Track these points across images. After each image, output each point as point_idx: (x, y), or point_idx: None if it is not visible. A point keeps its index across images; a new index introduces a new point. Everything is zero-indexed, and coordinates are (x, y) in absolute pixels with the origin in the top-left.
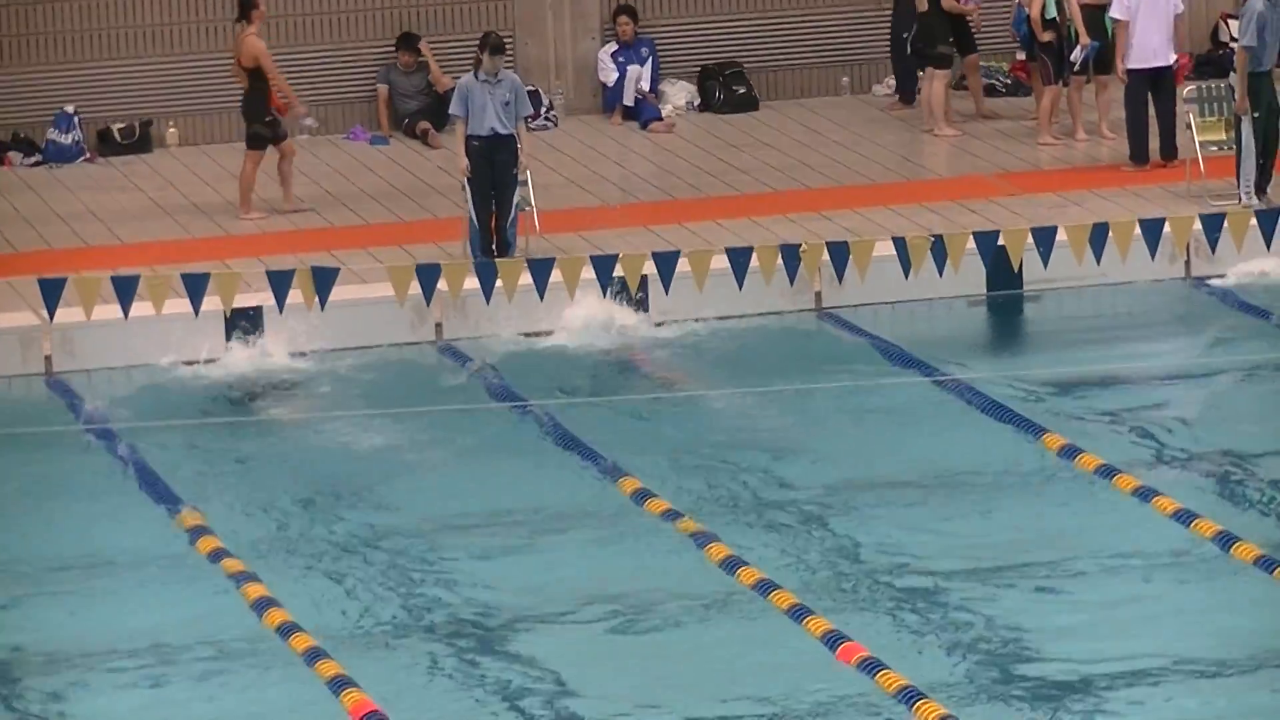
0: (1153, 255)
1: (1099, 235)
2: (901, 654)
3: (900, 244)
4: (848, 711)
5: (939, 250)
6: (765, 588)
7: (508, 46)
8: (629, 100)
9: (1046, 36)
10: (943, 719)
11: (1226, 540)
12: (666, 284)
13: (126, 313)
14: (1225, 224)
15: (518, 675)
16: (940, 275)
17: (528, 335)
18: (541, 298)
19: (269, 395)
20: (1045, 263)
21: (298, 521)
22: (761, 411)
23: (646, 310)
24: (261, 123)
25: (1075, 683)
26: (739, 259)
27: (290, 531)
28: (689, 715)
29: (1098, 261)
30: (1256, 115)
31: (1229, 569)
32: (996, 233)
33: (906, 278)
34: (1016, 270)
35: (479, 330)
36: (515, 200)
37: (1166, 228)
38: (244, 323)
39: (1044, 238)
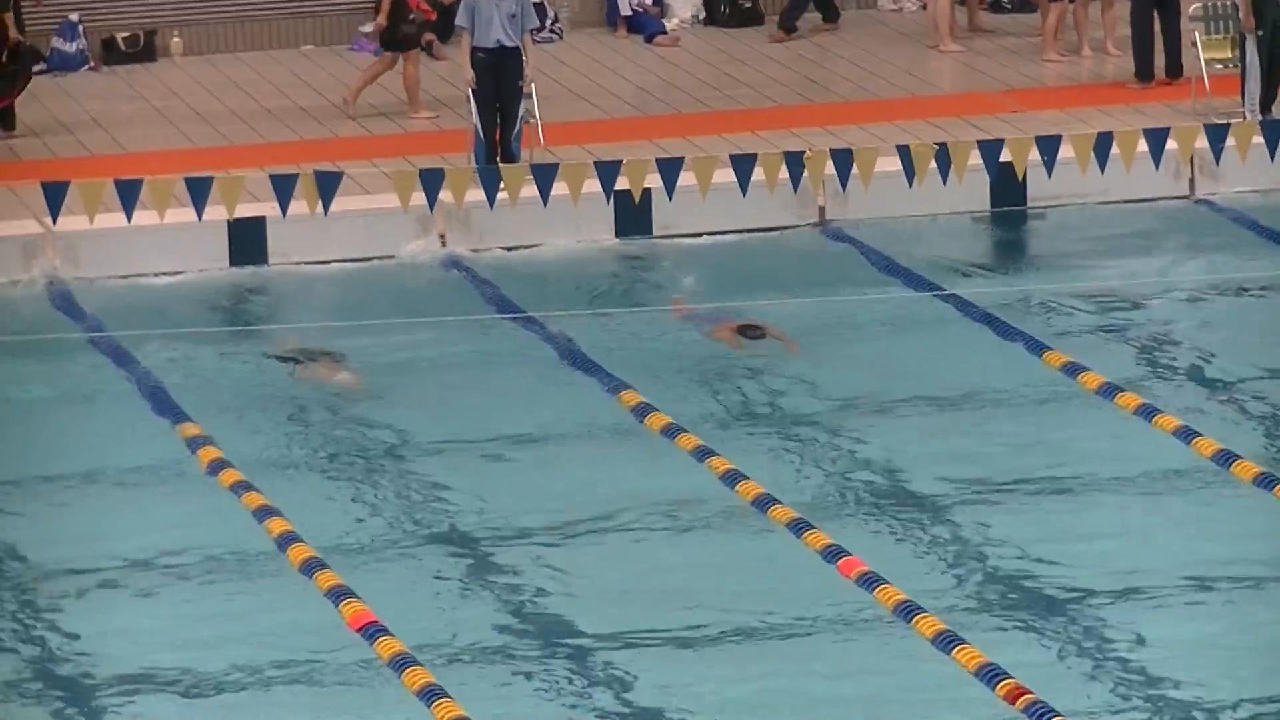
0: (1156, 165)
1: (1103, 146)
2: (901, 569)
3: (904, 152)
4: (847, 625)
5: (943, 160)
6: (765, 502)
7: None
8: (625, 10)
9: None
10: (940, 634)
11: (1226, 458)
12: (670, 191)
13: (129, 217)
14: (1229, 137)
15: (517, 588)
16: (944, 184)
17: (530, 246)
18: (545, 205)
19: (271, 305)
20: (1049, 171)
21: (299, 433)
22: (762, 321)
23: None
24: (406, 21)
25: (1075, 598)
26: (743, 166)
27: (291, 443)
28: (688, 624)
29: (1101, 171)
30: (1261, 33)
31: (1229, 487)
32: (1001, 142)
33: (910, 186)
34: (1021, 180)
35: (483, 242)
36: (520, 113)
37: (1171, 140)
38: (246, 233)
39: (1048, 147)
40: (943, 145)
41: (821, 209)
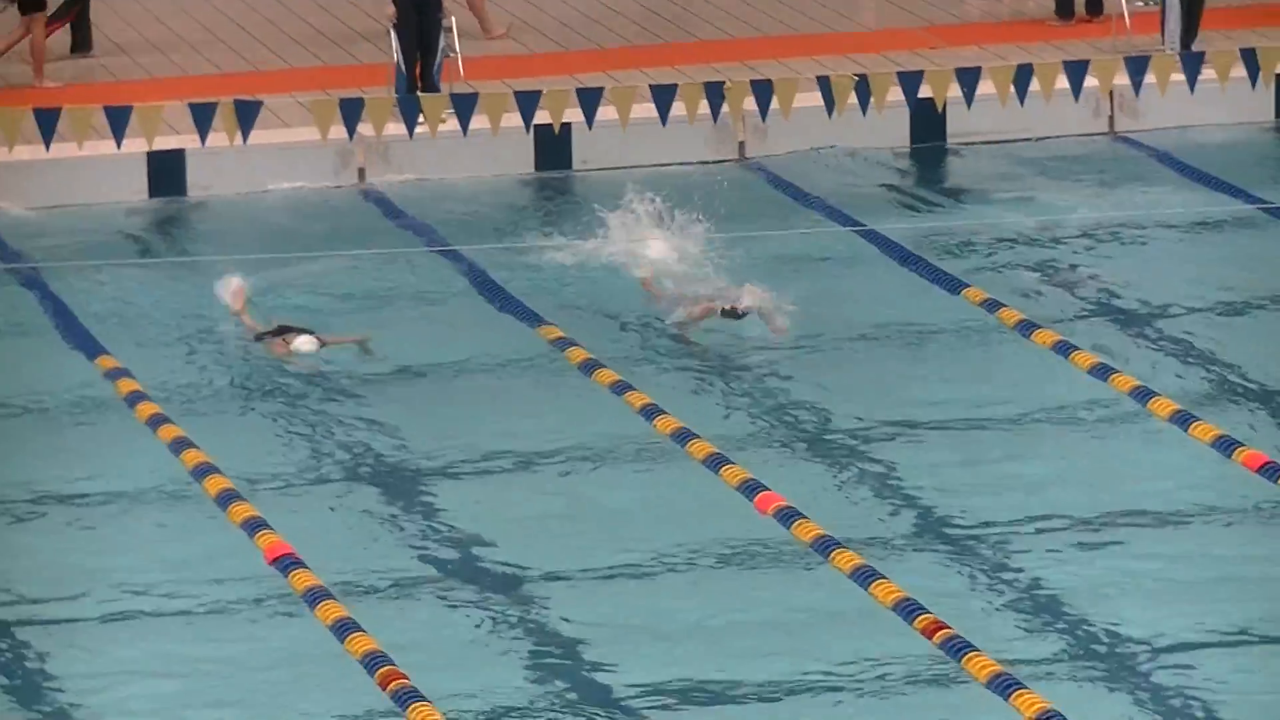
0: (1076, 98)
1: (1023, 79)
2: (820, 504)
3: (824, 83)
4: (764, 559)
5: (863, 92)
6: (683, 437)
7: None
8: None
9: None
10: (858, 568)
11: (1144, 395)
12: (590, 122)
13: (48, 146)
14: (1149, 71)
15: (435, 522)
16: (864, 117)
17: (450, 178)
18: (465, 135)
19: (190, 236)
20: (969, 103)
21: (216, 364)
22: (683, 260)
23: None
24: None
25: (994, 533)
26: (663, 98)
27: (208, 374)
28: (607, 556)
29: (1021, 104)
30: None
31: (1145, 423)
32: (920, 74)
33: (830, 117)
34: (940, 114)
35: (402, 173)
36: (440, 47)
37: (1091, 75)
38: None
39: (968, 79)
40: (862, 77)
41: (741, 144)
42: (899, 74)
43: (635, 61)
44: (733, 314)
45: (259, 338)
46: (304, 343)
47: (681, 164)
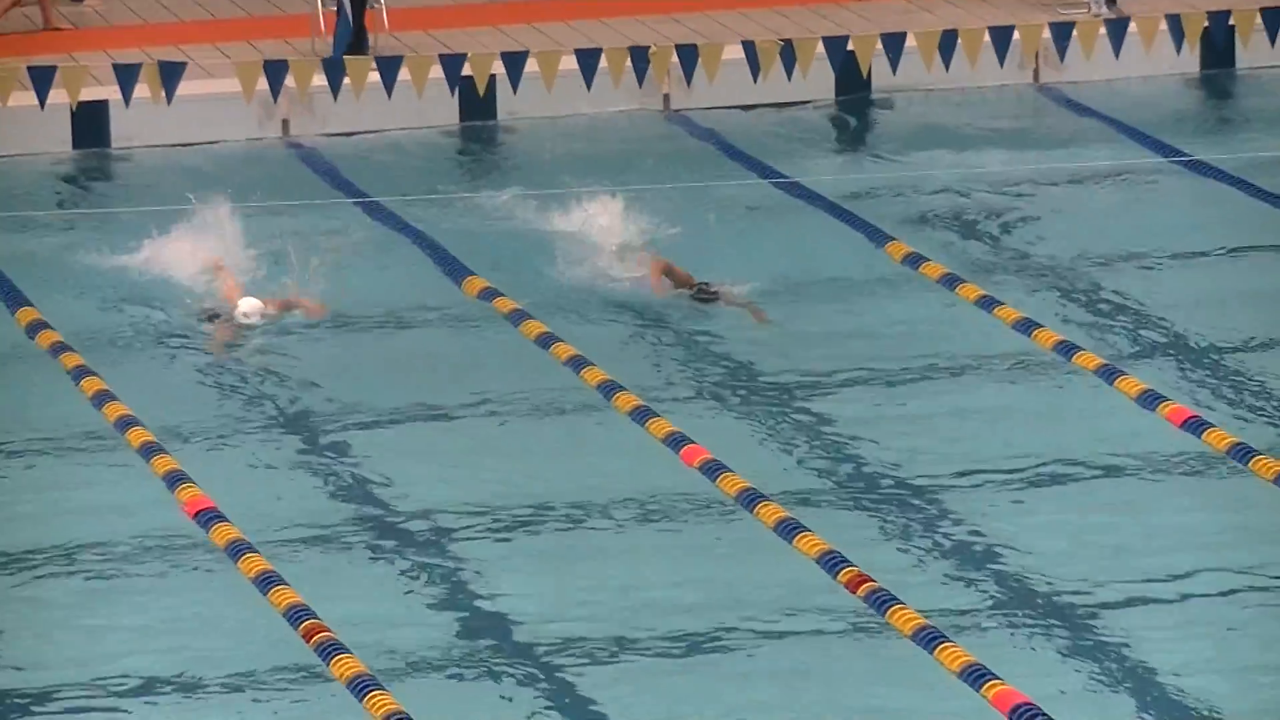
0: (1001, 63)
1: (948, 42)
2: (743, 457)
3: (749, 48)
4: (691, 512)
5: (788, 56)
6: (609, 389)
7: None
8: None
9: None
10: (782, 521)
11: (1068, 349)
12: (515, 84)
13: None
14: (1075, 32)
15: (353, 475)
16: (789, 80)
17: (375, 132)
18: (390, 98)
19: (113, 188)
20: (894, 69)
21: (136, 315)
22: (606, 209)
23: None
24: None
25: (917, 482)
26: (588, 61)
27: (128, 324)
28: (537, 517)
29: (946, 68)
30: None
31: (1071, 377)
32: (845, 38)
33: (755, 81)
34: (865, 76)
35: (326, 127)
36: None
37: (1016, 35)
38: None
39: (893, 44)
40: (788, 42)
41: (666, 96)
42: (824, 39)
43: (560, 12)
44: (704, 296)
45: (211, 319)
46: (248, 305)
47: (606, 115)
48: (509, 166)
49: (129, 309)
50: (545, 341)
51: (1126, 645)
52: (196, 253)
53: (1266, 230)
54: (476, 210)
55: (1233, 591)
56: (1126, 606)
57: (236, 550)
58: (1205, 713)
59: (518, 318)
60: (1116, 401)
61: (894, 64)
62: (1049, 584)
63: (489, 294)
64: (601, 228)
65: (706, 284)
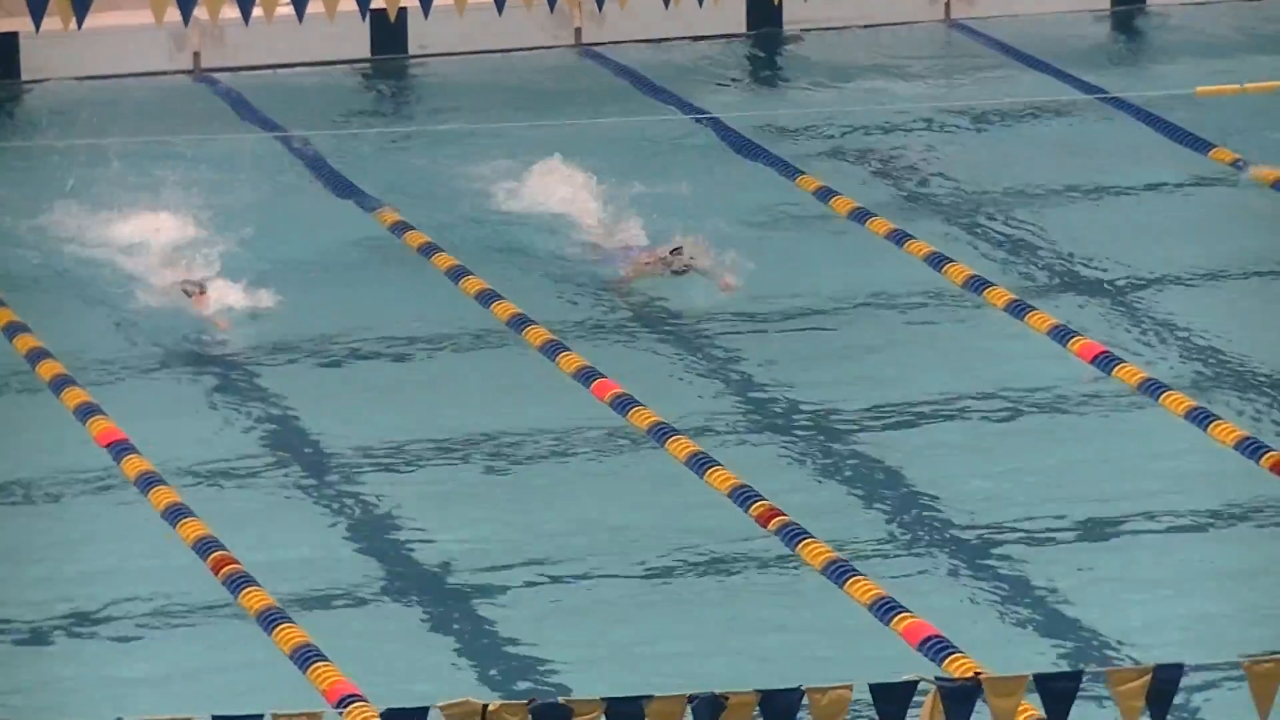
0: None
1: None
2: (654, 392)
3: None
4: (606, 443)
5: None
6: (519, 323)
7: None
8: None
9: None
10: (694, 455)
11: (979, 284)
12: (426, 9)
13: None
14: None
15: (272, 406)
16: (700, 6)
17: (286, 65)
18: (300, 22)
19: (22, 121)
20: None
21: (52, 248)
22: (518, 145)
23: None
24: None
25: (826, 418)
26: None
27: (42, 258)
28: (444, 445)
29: (858, 3)
30: None
31: (982, 312)
32: None
33: (666, 8)
34: (776, 6)
35: (237, 60)
36: None
37: None
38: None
39: None
40: None
41: (578, 30)
42: None
43: None
44: (676, 267)
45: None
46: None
47: (519, 48)
48: (420, 101)
49: (39, 243)
50: (456, 274)
51: (1035, 578)
52: (109, 190)
53: (1178, 166)
54: (388, 145)
55: (1143, 523)
56: (1037, 540)
57: (147, 483)
58: (1114, 642)
59: (429, 251)
60: (1028, 336)
61: None
62: (960, 518)
63: (400, 228)
64: (514, 163)
65: (678, 250)
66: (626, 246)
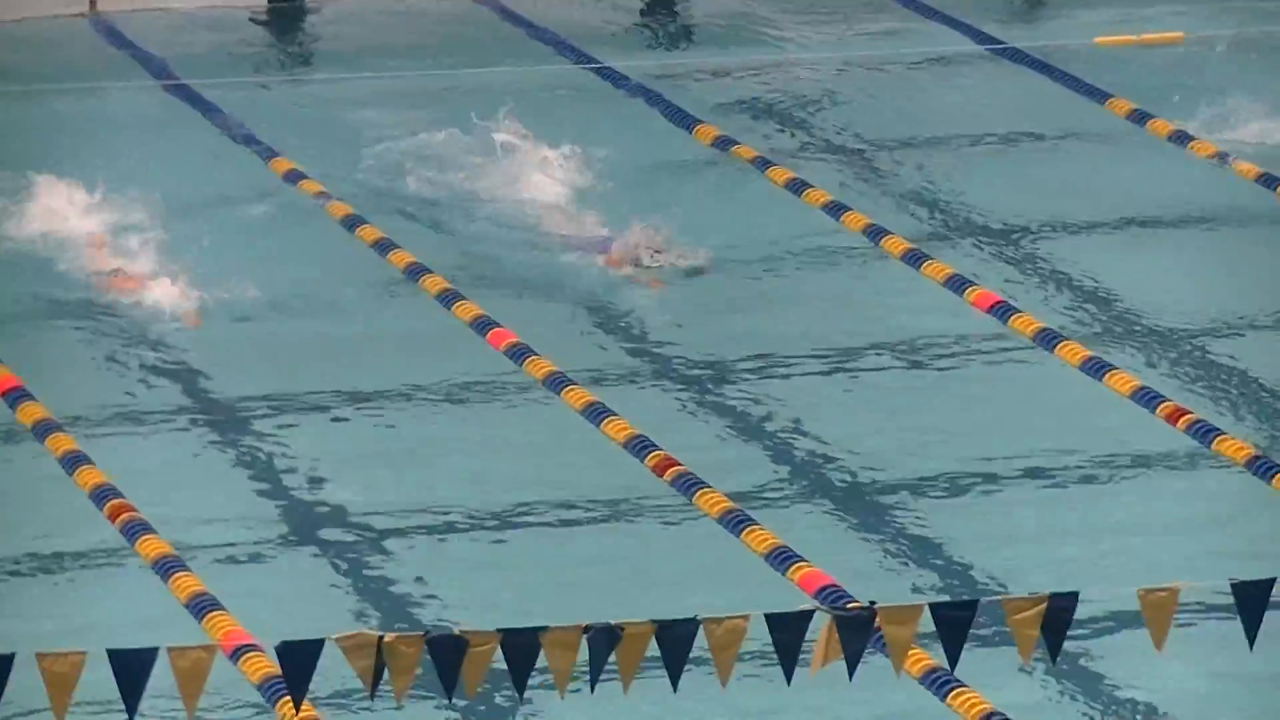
0: None
1: None
2: (549, 344)
3: None
4: (496, 392)
5: None
6: (416, 272)
7: None
8: None
9: None
10: (589, 405)
11: (876, 233)
12: None
13: None
14: None
15: (159, 358)
16: None
17: (181, 8)
18: None
19: None
20: None
21: None
22: (414, 93)
23: None
24: None
25: (715, 368)
26: None
27: None
28: (339, 394)
29: None
30: None
31: (877, 260)
32: None
33: None
34: None
35: (134, 4)
36: None
37: None
38: None
39: None
40: None
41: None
42: None
43: None
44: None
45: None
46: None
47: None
48: (316, 44)
49: None
50: (351, 223)
51: (926, 523)
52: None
53: (1076, 118)
54: (283, 89)
55: (1038, 472)
56: (929, 487)
57: (44, 430)
58: (999, 577)
59: (323, 199)
60: (923, 286)
61: None
62: (855, 468)
63: (294, 176)
64: (411, 112)
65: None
66: (602, 239)
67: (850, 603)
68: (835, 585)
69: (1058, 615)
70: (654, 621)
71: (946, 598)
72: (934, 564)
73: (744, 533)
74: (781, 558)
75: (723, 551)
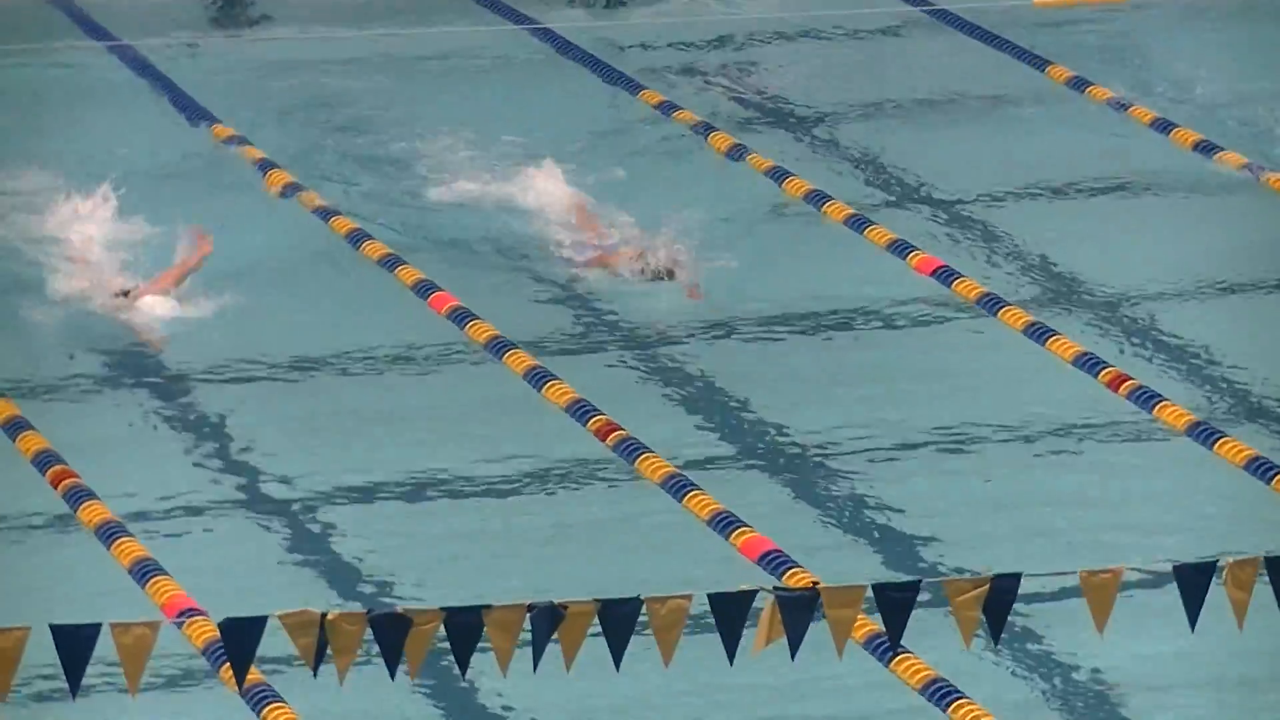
0: None
1: None
2: (491, 308)
3: None
4: (436, 358)
5: None
6: (357, 238)
7: None
8: None
9: None
10: (531, 369)
11: (819, 199)
12: None
13: None
14: None
15: (94, 327)
16: None
17: None
18: None
19: None
20: None
21: None
22: (353, 52)
23: None
24: None
25: (668, 335)
26: None
27: None
28: (290, 363)
29: None
30: None
31: (816, 226)
32: None
33: None
34: None
35: None
36: None
37: None
38: None
39: None
40: None
41: None
42: None
43: None
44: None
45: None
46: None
47: None
48: (250, 5)
49: None
50: (290, 191)
51: (873, 492)
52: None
53: (1012, 83)
54: (225, 55)
55: (983, 442)
56: (872, 454)
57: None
58: (955, 566)
59: (265, 166)
60: (864, 250)
61: None
62: (798, 434)
63: (235, 140)
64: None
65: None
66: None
67: (793, 569)
68: (778, 550)
69: (999, 597)
70: (597, 600)
71: (891, 564)
72: (877, 532)
73: (685, 497)
74: (724, 523)
75: (665, 514)
